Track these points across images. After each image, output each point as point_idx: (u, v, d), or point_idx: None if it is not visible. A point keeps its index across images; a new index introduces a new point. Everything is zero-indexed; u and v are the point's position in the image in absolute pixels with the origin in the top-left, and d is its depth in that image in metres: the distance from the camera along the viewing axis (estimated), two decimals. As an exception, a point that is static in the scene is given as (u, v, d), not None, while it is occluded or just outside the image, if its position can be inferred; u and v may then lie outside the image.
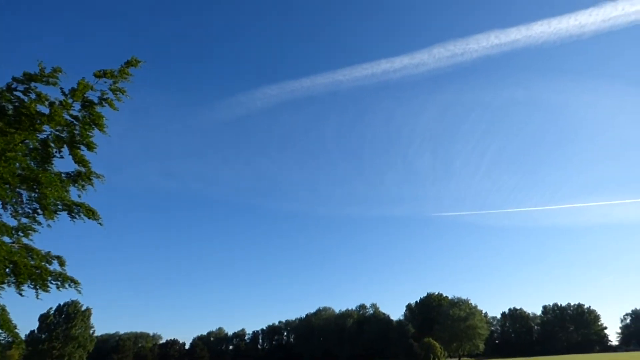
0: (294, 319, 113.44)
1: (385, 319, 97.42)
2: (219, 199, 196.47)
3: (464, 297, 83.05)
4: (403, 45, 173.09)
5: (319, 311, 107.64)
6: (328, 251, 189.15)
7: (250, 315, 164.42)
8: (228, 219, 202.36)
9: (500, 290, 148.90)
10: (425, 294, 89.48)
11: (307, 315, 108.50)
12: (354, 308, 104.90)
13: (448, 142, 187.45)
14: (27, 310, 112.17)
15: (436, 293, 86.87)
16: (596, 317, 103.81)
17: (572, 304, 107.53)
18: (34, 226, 10.33)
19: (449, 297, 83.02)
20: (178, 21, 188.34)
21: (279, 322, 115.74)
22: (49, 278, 10.00)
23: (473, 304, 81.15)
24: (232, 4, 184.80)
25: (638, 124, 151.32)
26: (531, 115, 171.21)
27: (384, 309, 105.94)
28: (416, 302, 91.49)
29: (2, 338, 10.46)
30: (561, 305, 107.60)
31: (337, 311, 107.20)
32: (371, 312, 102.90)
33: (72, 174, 10.14)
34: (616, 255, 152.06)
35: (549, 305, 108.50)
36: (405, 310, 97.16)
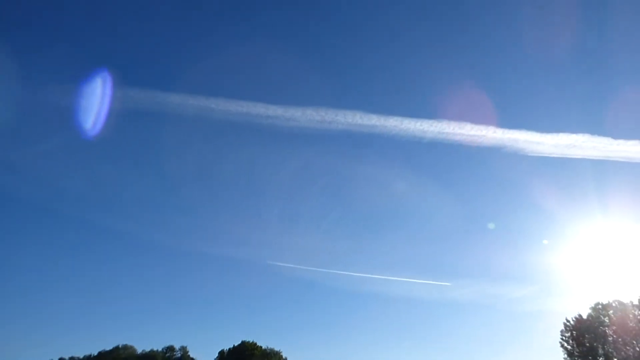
0: (82, 356, 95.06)
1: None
2: (28, 198, 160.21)
3: (277, 348, 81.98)
4: (280, 96, 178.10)
5: (116, 349, 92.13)
6: (147, 281, 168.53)
7: (24, 346, 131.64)
8: (35, 224, 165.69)
9: (312, 346, 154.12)
10: (240, 342, 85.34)
11: (100, 352, 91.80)
12: (160, 349, 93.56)
13: (299, 198, 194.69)
14: None
15: (251, 341, 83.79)
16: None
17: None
18: None
19: (263, 347, 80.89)
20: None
21: (60, 358, 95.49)
22: None
23: (284, 357, 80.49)
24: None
25: (455, 220, 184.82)
26: (371, 192, 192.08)
27: (195, 353, 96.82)
28: (229, 349, 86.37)
29: None
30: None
31: (139, 351, 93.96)
32: (179, 355, 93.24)
33: None
34: (413, 326, 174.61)
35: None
36: (217, 357, 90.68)
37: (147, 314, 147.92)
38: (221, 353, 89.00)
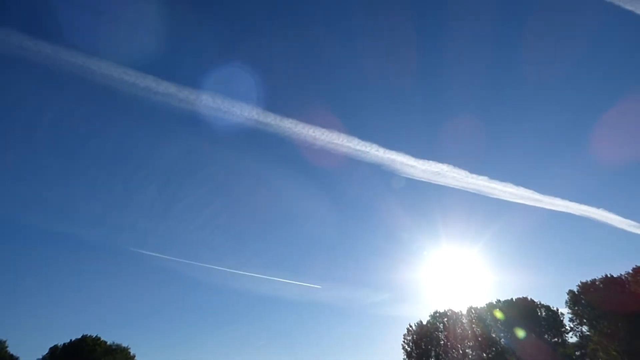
0: None
1: (12, 362, 74.72)
2: None
3: (125, 344, 74.36)
4: (171, 73, 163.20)
5: None
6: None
7: None
8: None
9: (171, 342, 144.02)
10: (80, 335, 74.77)
11: None
12: (-32, 343, 76.35)
13: (177, 184, 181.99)
14: None
15: (94, 336, 74.18)
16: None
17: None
18: None
19: (108, 343, 72.34)
20: None
21: None
22: None
23: (132, 353, 73.34)
24: None
25: (331, 227, 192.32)
26: (255, 189, 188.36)
27: (18, 350, 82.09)
28: (65, 344, 75.00)
29: None
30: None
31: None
32: (-5, 351, 77.38)
33: None
34: (281, 325, 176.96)
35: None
36: (47, 354, 77.84)
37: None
38: (53, 349, 76.93)
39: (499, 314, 60.06)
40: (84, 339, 73.48)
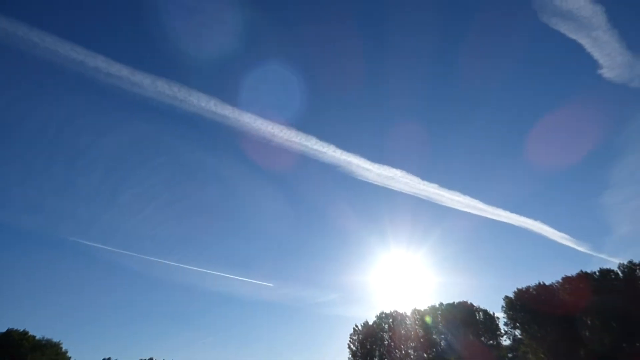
0: None
1: None
2: None
3: (56, 339, 69.71)
4: (126, 57, 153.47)
5: None
6: None
7: None
8: None
9: (109, 337, 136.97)
10: (5, 329, 68.98)
11: None
12: None
13: (124, 173, 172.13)
14: None
15: (21, 330, 68.71)
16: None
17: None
18: None
19: (37, 338, 67.30)
20: None
21: None
22: None
23: (64, 350, 68.82)
24: None
25: (285, 225, 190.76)
26: (209, 183, 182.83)
27: None
28: (-13, 338, 68.94)
29: None
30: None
31: None
32: None
33: None
34: (227, 321, 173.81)
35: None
36: (-34, 348, 71.24)
37: None
38: (-27, 344, 70.47)
39: (427, 319, 63.20)
40: (10, 333, 67.92)
